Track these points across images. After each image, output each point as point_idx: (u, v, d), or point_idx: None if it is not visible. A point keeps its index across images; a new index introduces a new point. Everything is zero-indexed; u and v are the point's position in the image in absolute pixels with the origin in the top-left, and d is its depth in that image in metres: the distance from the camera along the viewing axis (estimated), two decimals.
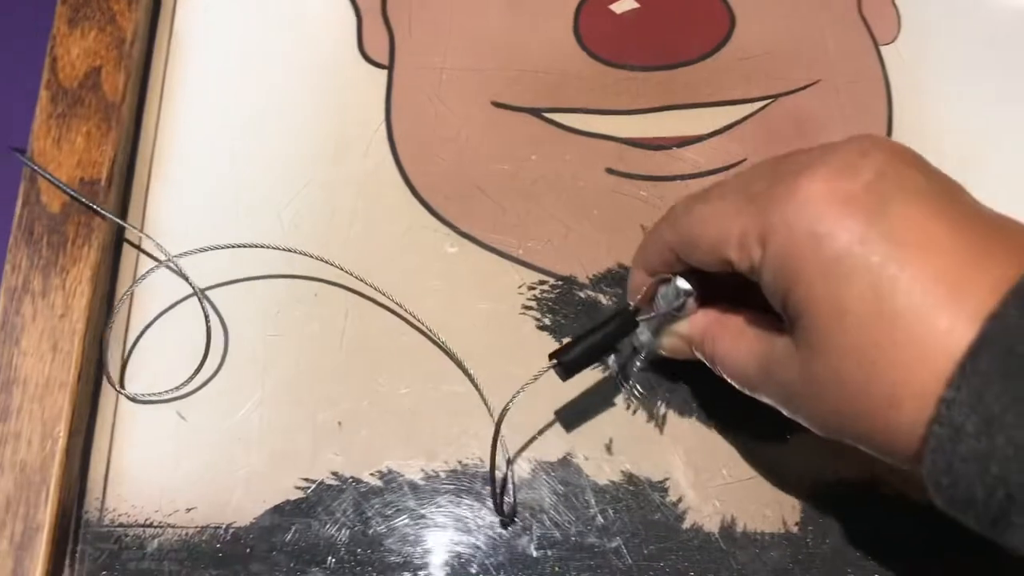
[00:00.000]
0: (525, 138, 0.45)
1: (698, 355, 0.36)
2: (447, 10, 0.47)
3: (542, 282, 0.43)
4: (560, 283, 0.42)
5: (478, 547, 0.38)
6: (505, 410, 0.36)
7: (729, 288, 0.34)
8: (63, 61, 0.44)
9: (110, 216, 0.40)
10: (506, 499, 0.38)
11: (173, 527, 0.39)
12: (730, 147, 0.45)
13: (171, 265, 0.41)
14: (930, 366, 0.25)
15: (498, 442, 0.37)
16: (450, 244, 0.43)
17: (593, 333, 0.36)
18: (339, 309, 0.42)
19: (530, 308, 0.42)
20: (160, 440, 0.40)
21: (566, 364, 0.35)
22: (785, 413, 0.32)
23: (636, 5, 0.48)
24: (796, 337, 0.29)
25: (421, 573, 0.38)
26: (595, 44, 0.47)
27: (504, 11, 0.47)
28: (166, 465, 0.40)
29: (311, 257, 0.41)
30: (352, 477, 0.39)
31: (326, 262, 0.41)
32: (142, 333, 0.42)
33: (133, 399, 0.41)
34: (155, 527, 0.39)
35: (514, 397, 0.36)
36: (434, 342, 0.41)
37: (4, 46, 0.54)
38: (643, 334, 0.38)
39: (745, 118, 0.46)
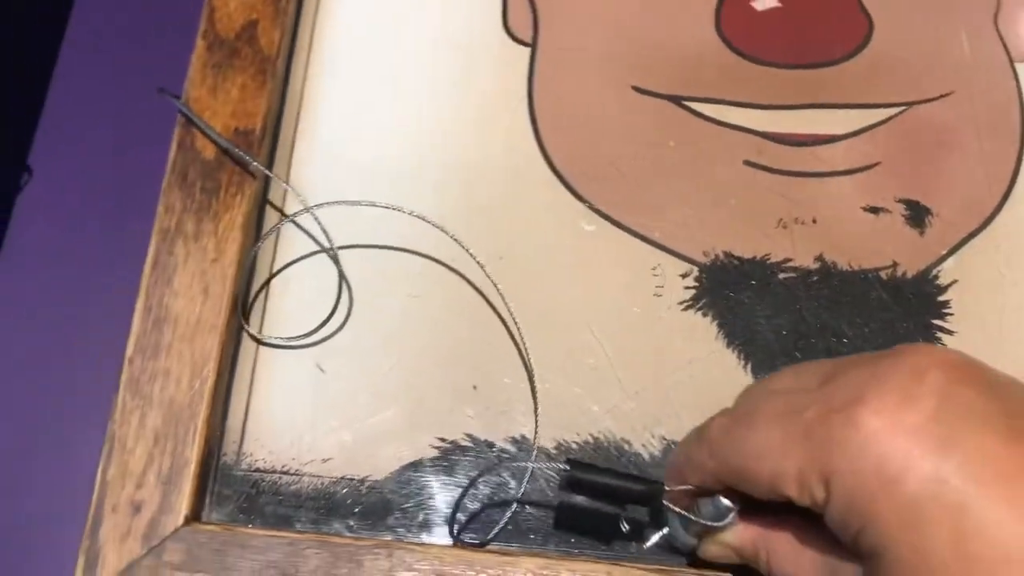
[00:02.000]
0: (664, 124, 0.46)
1: (751, 564, 0.33)
2: None
3: (678, 265, 0.43)
4: (696, 267, 0.43)
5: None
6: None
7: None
8: (221, 12, 0.44)
9: (262, 169, 0.41)
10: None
11: (310, 475, 0.39)
12: (865, 149, 0.46)
13: (313, 214, 0.41)
14: None
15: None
16: (587, 222, 0.44)
17: (616, 477, 0.35)
18: (475, 277, 0.42)
19: (664, 289, 0.42)
20: (299, 389, 0.40)
21: (570, 479, 0.35)
22: None
23: (777, 4, 0.48)
24: (870, 572, 0.28)
25: (553, 539, 0.38)
26: (735, 38, 0.47)
27: None
28: (304, 414, 0.40)
29: (445, 232, 0.42)
30: (486, 440, 0.40)
31: (455, 240, 0.42)
32: (272, 280, 0.43)
33: (268, 343, 0.41)
34: (291, 474, 0.39)
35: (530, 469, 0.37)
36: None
37: None
38: (674, 523, 0.35)
39: (880, 123, 0.46)
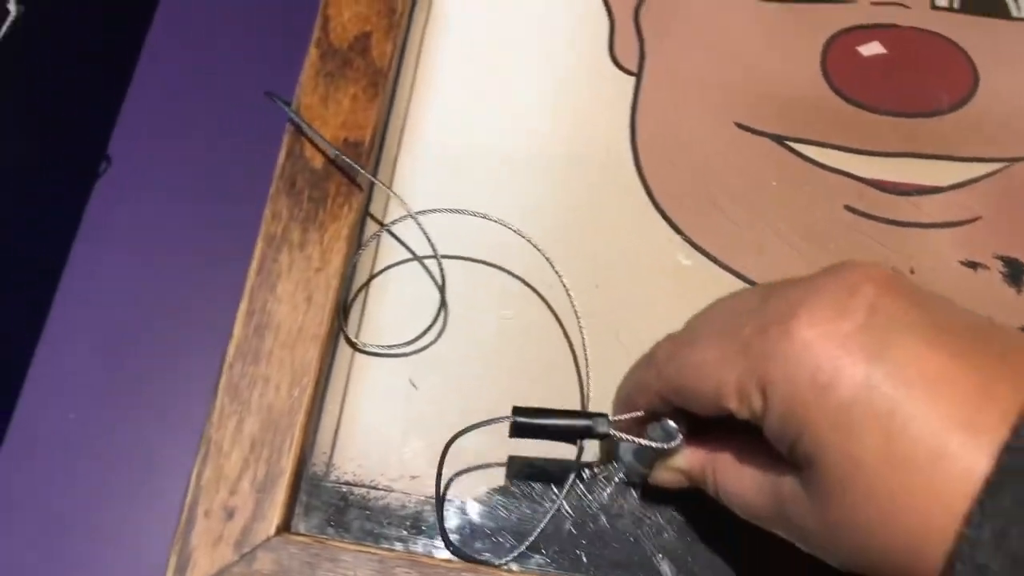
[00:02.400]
0: (766, 162, 0.46)
1: (700, 487, 0.35)
2: (700, 24, 0.48)
3: None
4: None
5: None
6: (451, 441, 0.37)
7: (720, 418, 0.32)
8: (335, 22, 0.44)
9: (369, 177, 0.41)
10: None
11: (398, 492, 0.39)
12: (966, 203, 0.45)
13: (417, 221, 0.41)
14: (950, 507, 0.25)
15: (442, 473, 0.38)
16: (684, 256, 0.44)
17: (561, 416, 0.35)
18: (567, 306, 0.42)
19: None
20: (390, 403, 0.41)
21: (518, 425, 0.35)
22: (801, 548, 0.31)
23: (883, 51, 0.48)
24: (806, 481, 0.29)
25: (641, 573, 0.38)
26: (841, 81, 0.47)
27: (756, 34, 0.48)
28: (394, 430, 0.40)
29: (543, 255, 0.42)
30: (575, 466, 0.40)
31: (551, 264, 0.42)
32: (370, 286, 0.44)
33: (368, 351, 0.42)
34: (380, 489, 0.39)
35: (463, 432, 0.36)
36: None
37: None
38: (627, 456, 0.36)
39: (982, 177, 0.46)
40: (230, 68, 0.58)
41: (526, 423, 0.35)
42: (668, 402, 0.33)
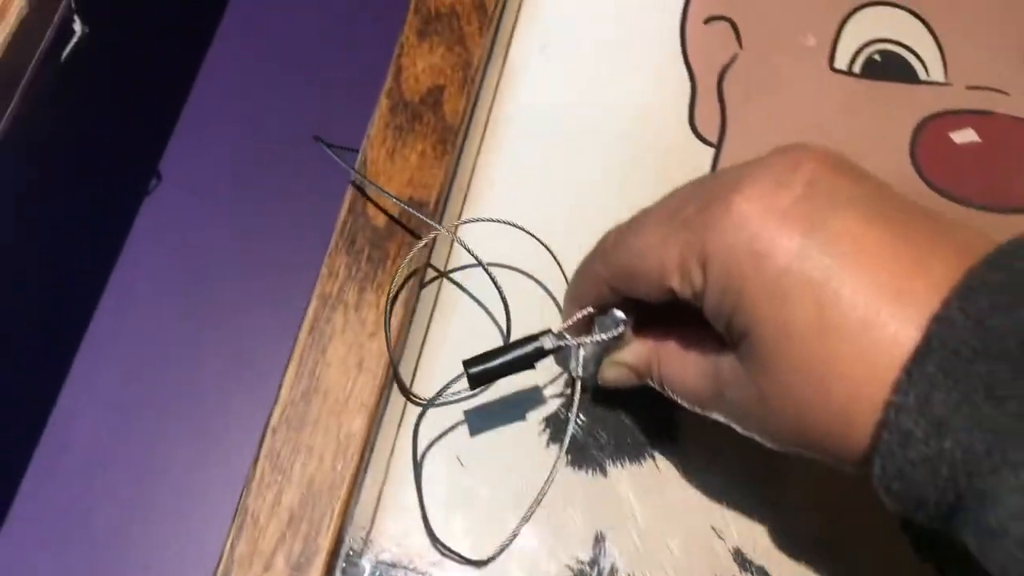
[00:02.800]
0: None
1: (647, 381, 0.35)
2: (783, 98, 0.46)
3: None
4: None
5: None
6: (423, 412, 0.37)
7: (663, 309, 0.33)
8: (408, 72, 0.42)
9: (435, 228, 0.39)
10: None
11: None
12: None
13: (487, 271, 0.39)
14: (879, 376, 0.26)
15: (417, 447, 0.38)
16: None
17: (508, 351, 0.35)
18: None
19: None
20: (435, 482, 0.38)
21: (473, 376, 0.35)
22: (739, 430, 0.31)
23: (977, 139, 0.45)
24: (743, 356, 0.29)
25: None
26: (929, 168, 0.45)
27: (843, 111, 0.46)
28: (437, 510, 0.38)
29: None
30: (627, 570, 0.37)
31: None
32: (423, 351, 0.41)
33: (419, 402, 0.40)
34: (417, 573, 0.37)
35: (433, 400, 0.37)
36: None
37: (345, 48, 0.53)
38: (579, 367, 0.36)
39: None
40: (288, 104, 0.57)
41: (480, 371, 0.35)
42: (616, 291, 0.33)
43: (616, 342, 0.35)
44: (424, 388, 0.40)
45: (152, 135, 0.58)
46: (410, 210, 0.39)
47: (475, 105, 0.45)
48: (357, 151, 0.41)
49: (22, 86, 0.45)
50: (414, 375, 0.41)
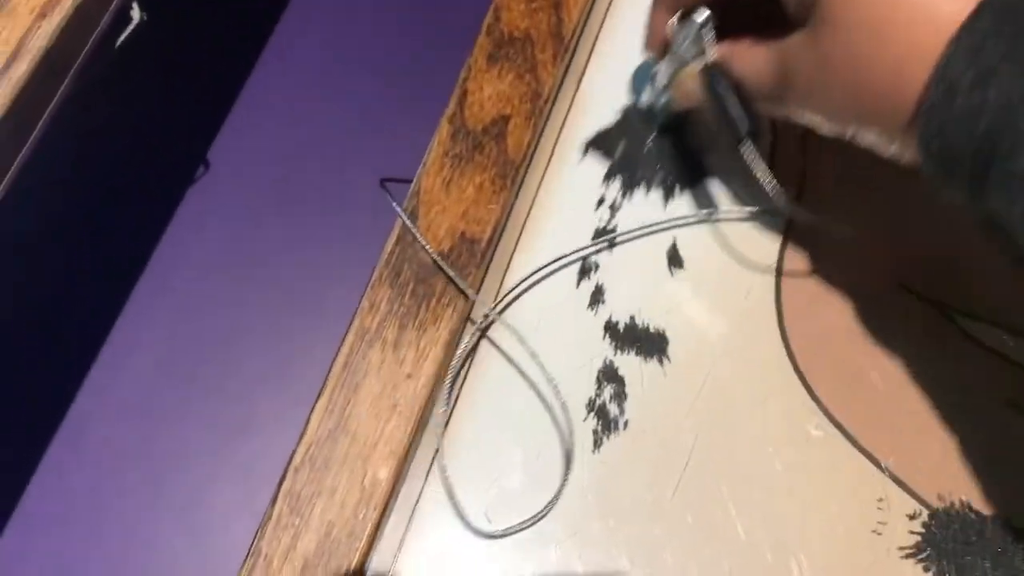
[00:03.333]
0: (924, 334, 0.40)
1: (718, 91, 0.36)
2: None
3: (907, 503, 0.38)
4: (926, 511, 0.37)
5: None
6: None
7: (740, 17, 0.35)
8: (473, 98, 0.40)
9: (475, 296, 0.36)
10: None
11: None
12: None
13: (534, 356, 0.37)
14: (935, 31, 0.27)
15: None
16: (815, 426, 0.39)
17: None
18: (682, 451, 0.38)
19: (886, 528, 0.36)
20: (461, 538, 0.36)
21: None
22: (802, 119, 0.33)
23: None
24: (809, 27, 0.31)
25: None
26: None
27: None
28: (462, 567, 0.35)
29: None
30: None
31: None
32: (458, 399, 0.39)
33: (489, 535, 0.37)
34: None
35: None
36: None
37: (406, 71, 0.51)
38: (654, 84, 0.39)
39: None
40: (341, 105, 0.55)
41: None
42: None
43: (697, 47, 0.36)
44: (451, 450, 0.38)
45: (203, 123, 0.56)
46: (448, 271, 0.36)
47: (540, 136, 0.42)
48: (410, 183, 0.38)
49: (75, 70, 0.43)
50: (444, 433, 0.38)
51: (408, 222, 0.37)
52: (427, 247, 0.36)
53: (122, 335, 0.52)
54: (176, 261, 0.53)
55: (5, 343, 0.49)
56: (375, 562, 0.36)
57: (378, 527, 0.34)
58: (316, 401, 0.35)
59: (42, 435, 0.49)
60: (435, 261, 0.36)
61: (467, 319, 0.38)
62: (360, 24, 0.56)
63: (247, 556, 0.33)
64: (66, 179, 0.53)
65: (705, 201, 0.41)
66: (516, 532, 0.36)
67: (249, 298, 0.50)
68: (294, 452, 0.35)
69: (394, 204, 0.38)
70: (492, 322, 0.39)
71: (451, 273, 0.36)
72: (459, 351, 0.37)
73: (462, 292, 0.37)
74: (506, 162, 0.39)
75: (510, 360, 0.39)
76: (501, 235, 0.40)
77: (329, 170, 0.49)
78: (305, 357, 0.44)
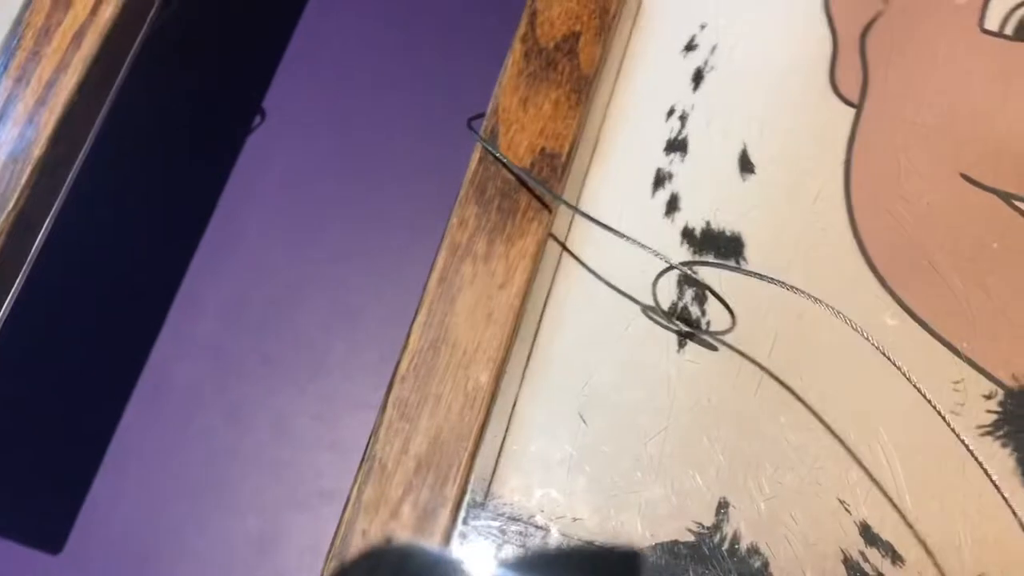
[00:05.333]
0: (989, 221, 0.41)
1: None
2: (930, 61, 0.43)
3: (982, 384, 0.40)
4: (1002, 390, 0.38)
5: None
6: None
7: None
8: (543, 16, 0.41)
9: (562, 200, 0.38)
10: None
11: (558, 533, 0.37)
12: None
13: (677, 266, 0.38)
14: None
15: None
16: (890, 315, 0.40)
17: None
18: (763, 346, 0.39)
19: (964, 408, 0.38)
20: (557, 439, 0.38)
21: None
22: None
23: None
24: None
25: None
26: None
27: (993, 78, 0.43)
28: (559, 466, 0.38)
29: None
30: (749, 539, 0.36)
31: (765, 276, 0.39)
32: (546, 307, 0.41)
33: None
34: (539, 527, 0.37)
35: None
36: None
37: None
38: None
39: None
40: (407, 41, 0.55)
41: None
42: None
43: None
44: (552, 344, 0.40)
45: (258, 71, 0.57)
46: (531, 180, 0.38)
47: (609, 51, 0.43)
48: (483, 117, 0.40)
49: (143, 31, 0.45)
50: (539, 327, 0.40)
51: (489, 148, 0.38)
52: (508, 162, 0.38)
53: (194, 278, 0.53)
54: (245, 204, 0.54)
55: (89, 295, 0.51)
56: (480, 466, 0.38)
57: (483, 429, 0.36)
58: (415, 316, 0.37)
59: (127, 379, 0.51)
60: (515, 174, 0.38)
61: (550, 233, 0.40)
62: None
63: (362, 460, 0.36)
64: (132, 131, 0.54)
65: None
66: (616, 438, 0.38)
67: (320, 237, 0.51)
68: (398, 363, 0.37)
69: (471, 129, 0.39)
70: (572, 234, 0.40)
71: (533, 184, 0.37)
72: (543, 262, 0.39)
73: (545, 206, 0.38)
74: (580, 77, 0.40)
75: (593, 272, 0.40)
76: (577, 149, 0.41)
77: (398, 105, 0.50)
78: (400, 277, 0.46)
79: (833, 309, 0.35)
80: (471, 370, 0.37)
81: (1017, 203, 0.42)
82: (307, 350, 0.47)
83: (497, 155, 0.38)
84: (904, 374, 0.33)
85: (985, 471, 0.33)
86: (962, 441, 0.33)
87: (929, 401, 0.33)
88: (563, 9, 0.41)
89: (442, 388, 0.36)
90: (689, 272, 0.35)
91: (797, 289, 0.35)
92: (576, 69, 0.41)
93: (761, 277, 0.36)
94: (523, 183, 0.38)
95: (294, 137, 0.55)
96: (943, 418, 0.33)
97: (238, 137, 0.55)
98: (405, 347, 0.37)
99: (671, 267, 0.36)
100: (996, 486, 0.33)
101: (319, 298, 0.49)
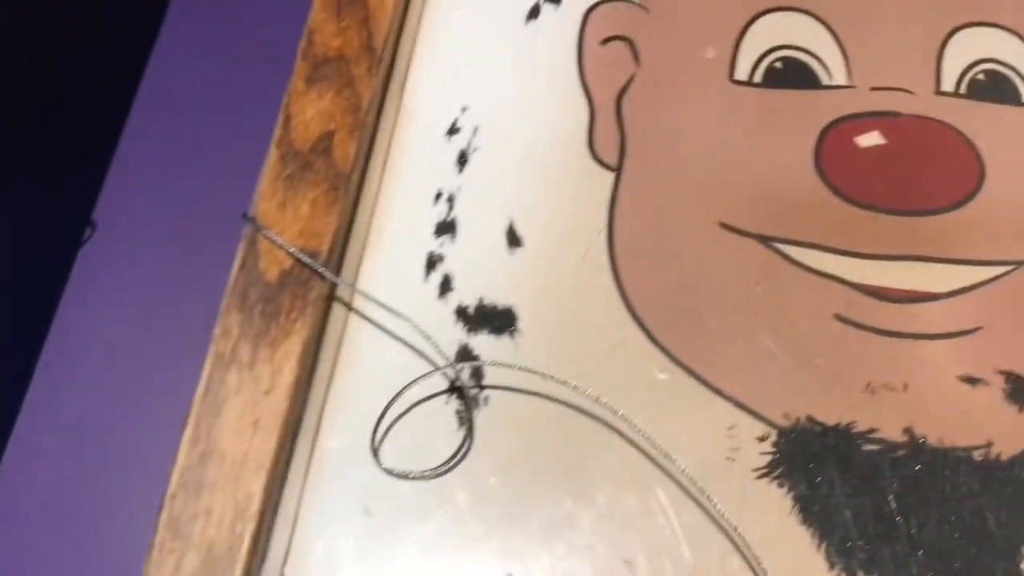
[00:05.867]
0: (751, 267, 0.43)
1: None
2: (685, 116, 0.45)
3: (755, 427, 0.41)
4: (775, 431, 0.40)
5: None
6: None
7: None
8: (297, 120, 0.42)
9: (331, 279, 0.39)
10: None
11: None
12: (966, 311, 0.42)
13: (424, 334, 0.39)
14: None
15: None
16: (660, 369, 0.41)
17: None
18: (541, 423, 0.41)
19: (739, 453, 0.39)
20: (343, 535, 0.38)
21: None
22: None
23: (883, 142, 0.45)
24: None
25: None
26: (836, 176, 0.44)
27: (745, 123, 0.45)
28: (346, 562, 0.38)
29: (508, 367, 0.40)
30: None
31: (528, 370, 0.40)
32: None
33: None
34: None
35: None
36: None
37: (233, 99, 0.53)
38: None
39: (984, 282, 0.43)
40: (208, 144, 0.56)
41: None
42: None
43: None
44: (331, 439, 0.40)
45: (85, 184, 0.58)
46: (304, 259, 0.39)
47: (371, 147, 0.44)
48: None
49: None
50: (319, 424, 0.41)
51: (254, 225, 0.39)
52: (284, 245, 0.38)
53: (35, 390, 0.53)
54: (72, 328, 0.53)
55: None
56: (268, 570, 0.38)
57: (258, 537, 0.37)
58: (183, 431, 0.38)
59: None
60: (297, 258, 0.39)
61: (321, 329, 0.41)
62: (189, 71, 0.58)
63: None
64: None
65: None
66: (398, 527, 0.39)
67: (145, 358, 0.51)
68: (168, 481, 0.37)
69: (245, 218, 0.40)
70: (349, 327, 0.41)
71: (317, 268, 0.38)
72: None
73: (308, 301, 0.39)
74: (336, 175, 0.42)
75: (372, 360, 0.41)
76: (346, 243, 0.42)
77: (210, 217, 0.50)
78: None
79: (606, 404, 0.36)
80: (241, 481, 0.37)
81: (776, 245, 0.44)
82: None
83: (273, 238, 0.39)
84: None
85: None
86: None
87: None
88: (317, 111, 0.43)
89: (212, 501, 0.37)
90: (457, 383, 0.36)
91: (569, 383, 0.39)
92: (332, 167, 0.42)
93: (531, 372, 0.38)
94: (285, 272, 0.39)
95: (124, 249, 0.55)
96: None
97: (71, 249, 0.55)
98: (174, 463, 0.37)
99: (439, 368, 0.37)
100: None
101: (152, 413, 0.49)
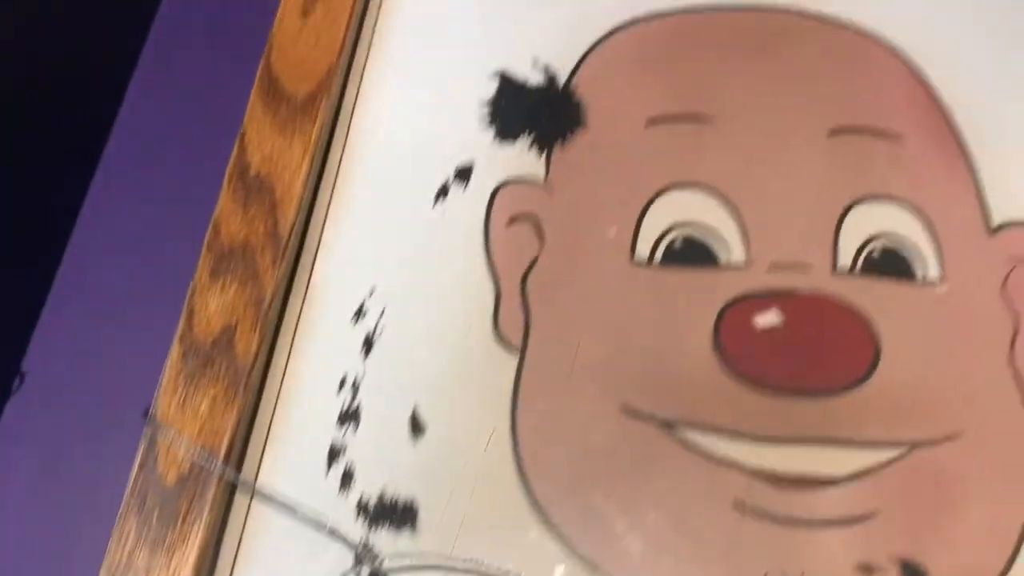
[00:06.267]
0: (651, 455, 0.44)
1: None
2: (587, 297, 0.47)
3: None
4: None
5: None
6: None
7: None
8: (200, 315, 0.43)
9: (237, 480, 0.39)
10: None
11: None
12: (863, 496, 0.43)
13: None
14: None
15: None
16: (558, 561, 0.41)
17: None
18: None
19: None
20: None
21: None
22: None
23: (780, 321, 0.46)
24: None
25: None
26: (735, 358, 0.45)
27: (646, 305, 0.46)
28: None
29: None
30: None
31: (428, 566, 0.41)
32: None
33: None
34: None
35: None
36: None
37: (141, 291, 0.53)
38: None
39: (883, 465, 0.44)
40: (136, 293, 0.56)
41: None
42: None
43: None
44: None
45: (16, 331, 0.58)
46: (202, 462, 0.39)
47: (276, 335, 0.45)
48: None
49: None
50: None
51: (154, 424, 0.39)
52: (184, 447, 0.39)
53: None
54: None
55: None
56: None
57: None
58: None
59: None
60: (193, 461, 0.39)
61: (221, 528, 0.41)
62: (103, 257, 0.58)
63: None
64: None
65: None
66: None
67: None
68: None
69: (144, 417, 0.40)
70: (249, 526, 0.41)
71: (213, 467, 0.39)
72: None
73: (205, 504, 0.39)
74: (237, 371, 0.42)
75: (274, 561, 0.41)
76: (248, 436, 0.43)
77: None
78: None
79: None
80: None
81: (677, 429, 0.44)
82: None
83: (172, 440, 0.39)
84: None
85: None
86: None
87: None
88: (220, 305, 0.43)
89: None
90: None
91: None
92: (232, 363, 0.42)
93: (431, 567, 0.39)
94: (183, 476, 0.40)
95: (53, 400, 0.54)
96: None
97: None
98: None
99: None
100: None
101: None
